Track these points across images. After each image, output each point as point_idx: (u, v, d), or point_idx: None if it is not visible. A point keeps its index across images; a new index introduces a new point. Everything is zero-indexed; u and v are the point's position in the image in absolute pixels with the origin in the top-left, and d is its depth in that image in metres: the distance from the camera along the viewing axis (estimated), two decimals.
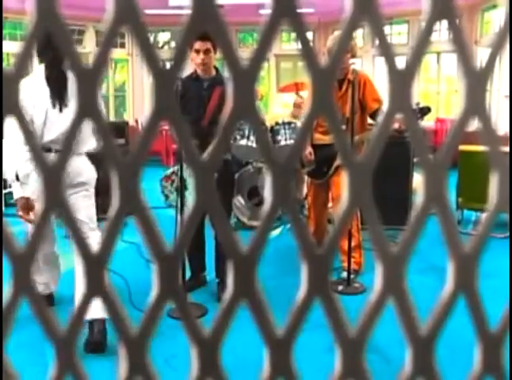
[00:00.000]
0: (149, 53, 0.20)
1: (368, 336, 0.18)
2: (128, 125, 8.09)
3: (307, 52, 0.18)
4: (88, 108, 0.20)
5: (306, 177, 4.68)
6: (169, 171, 4.16)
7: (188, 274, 4.12)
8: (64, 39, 0.19)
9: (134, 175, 0.19)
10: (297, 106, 6.04)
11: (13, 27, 10.32)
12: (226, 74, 0.21)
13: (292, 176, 0.19)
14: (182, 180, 3.67)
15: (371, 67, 10.70)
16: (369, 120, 4.27)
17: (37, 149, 0.20)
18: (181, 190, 3.70)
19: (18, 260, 0.21)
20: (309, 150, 4.22)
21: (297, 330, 0.18)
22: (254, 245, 0.18)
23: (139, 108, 12.06)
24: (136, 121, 11.56)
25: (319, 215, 4.51)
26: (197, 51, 3.76)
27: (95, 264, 0.21)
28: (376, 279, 0.18)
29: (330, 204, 4.62)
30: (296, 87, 7.29)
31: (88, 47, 11.01)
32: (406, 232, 0.18)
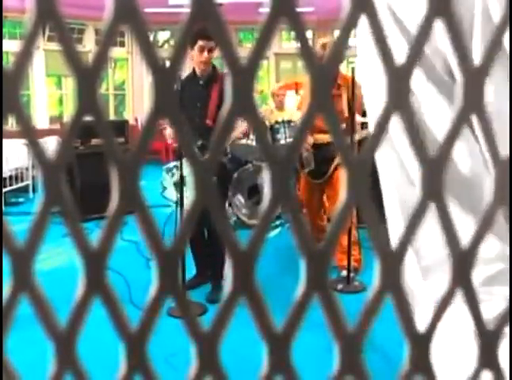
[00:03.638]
0: (149, 52, 0.20)
1: (366, 333, 0.18)
2: (128, 124, 8.10)
3: (305, 49, 0.18)
4: (88, 106, 0.20)
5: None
6: (171, 164, 4.15)
7: (189, 272, 4.13)
8: (63, 37, 0.19)
9: (134, 172, 0.20)
10: (276, 95, 5.96)
11: (12, 26, 10.32)
12: (225, 71, 0.22)
13: (292, 172, 0.20)
14: (182, 178, 3.67)
15: None
16: (360, 119, 4.27)
17: None
18: (181, 188, 3.70)
19: (18, 257, 0.21)
20: (307, 146, 4.21)
21: (297, 325, 0.18)
22: (253, 241, 0.19)
23: (138, 106, 12.06)
24: (136, 120, 11.56)
25: (314, 216, 4.51)
26: (202, 49, 3.78)
27: (94, 261, 0.21)
28: (375, 276, 0.18)
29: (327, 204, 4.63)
30: (296, 86, 7.26)
31: (88, 46, 11.01)
32: (404, 229, 0.18)
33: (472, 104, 0.17)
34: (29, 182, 7.75)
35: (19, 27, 10.26)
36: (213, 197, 0.21)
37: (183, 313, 0.20)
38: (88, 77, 0.21)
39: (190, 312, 0.19)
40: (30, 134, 0.21)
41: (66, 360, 0.24)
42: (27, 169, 7.67)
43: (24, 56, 0.21)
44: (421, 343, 0.19)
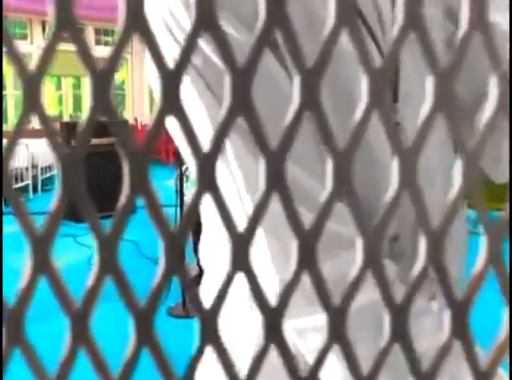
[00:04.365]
0: (157, 56, 0.22)
1: (349, 304, 0.21)
2: (128, 123, 8.12)
3: (295, 52, 0.21)
4: (103, 105, 0.22)
5: None
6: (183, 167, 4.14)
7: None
8: (81, 44, 0.22)
9: (144, 160, 0.22)
10: None
11: (12, 26, 10.33)
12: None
13: (284, 163, 0.22)
14: (182, 177, 3.70)
15: None
16: None
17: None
18: (180, 187, 3.73)
19: (37, 242, 0.24)
20: None
21: (288, 300, 0.21)
22: (250, 224, 0.21)
23: (138, 106, 12.09)
24: (136, 119, 11.58)
25: None
26: None
27: (107, 246, 0.24)
28: (357, 256, 0.21)
29: None
30: None
31: None
32: (380, 214, 0.21)
33: (441, 103, 0.19)
34: (29, 182, 7.78)
35: (19, 27, 10.27)
36: (215, 188, 0.24)
37: (186, 287, 0.22)
38: (102, 78, 0.24)
39: (192, 287, 0.22)
40: (51, 132, 0.24)
41: (81, 336, 0.26)
42: (27, 169, 7.70)
43: (45, 61, 0.23)
44: (399, 314, 0.22)
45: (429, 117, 0.19)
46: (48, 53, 0.23)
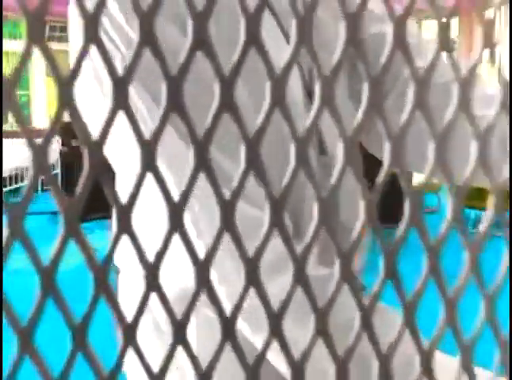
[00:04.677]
0: (164, 67, 0.29)
1: (308, 257, 0.28)
2: None
3: (266, 64, 0.28)
4: (120, 104, 0.29)
5: None
6: None
7: None
8: (105, 54, 0.29)
9: (152, 148, 0.29)
10: None
11: (12, 25, 10.37)
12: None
13: (259, 150, 0.29)
14: None
15: None
16: None
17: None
18: None
19: (67, 210, 0.31)
20: None
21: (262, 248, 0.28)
22: (235, 192, 0.28)
23: None
24: None
25: None
26: None
27: (124, 211, 0.31)
28: (314, 212, 0.28)
29: None
30: None
31: None
32: (326, 192, 0.27)
33: (375, 104, 0.26)
34: None
35: (19, 27, 10.31)
36: (211, 173, 0.31)
37: (187, 244, 0.29)
38: (120, 84, 0.31)
39: (192, 242, 0.29)
40: (81, 125, 0.31)
41: (103, 286, 0.33)
42: (27, 169, 7.74)
43: (76, 70, 0.30)
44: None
45: (365, 116, 0.26)
46: (80, 58, 0.30)
